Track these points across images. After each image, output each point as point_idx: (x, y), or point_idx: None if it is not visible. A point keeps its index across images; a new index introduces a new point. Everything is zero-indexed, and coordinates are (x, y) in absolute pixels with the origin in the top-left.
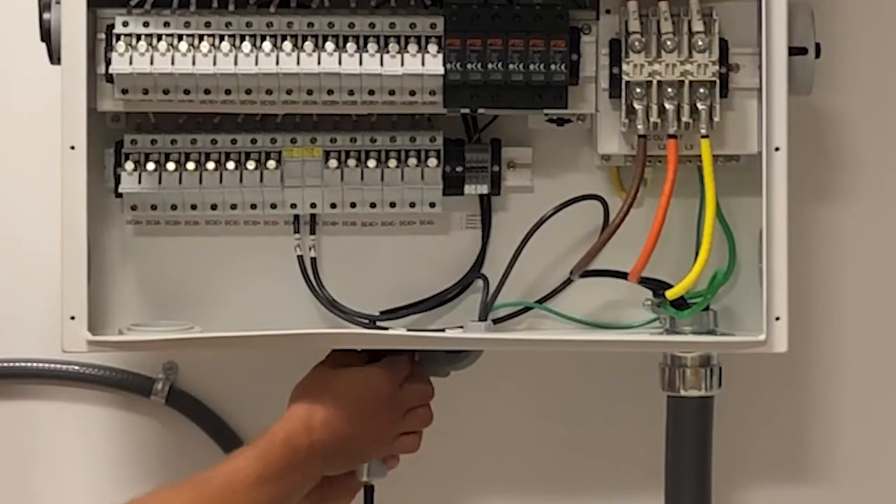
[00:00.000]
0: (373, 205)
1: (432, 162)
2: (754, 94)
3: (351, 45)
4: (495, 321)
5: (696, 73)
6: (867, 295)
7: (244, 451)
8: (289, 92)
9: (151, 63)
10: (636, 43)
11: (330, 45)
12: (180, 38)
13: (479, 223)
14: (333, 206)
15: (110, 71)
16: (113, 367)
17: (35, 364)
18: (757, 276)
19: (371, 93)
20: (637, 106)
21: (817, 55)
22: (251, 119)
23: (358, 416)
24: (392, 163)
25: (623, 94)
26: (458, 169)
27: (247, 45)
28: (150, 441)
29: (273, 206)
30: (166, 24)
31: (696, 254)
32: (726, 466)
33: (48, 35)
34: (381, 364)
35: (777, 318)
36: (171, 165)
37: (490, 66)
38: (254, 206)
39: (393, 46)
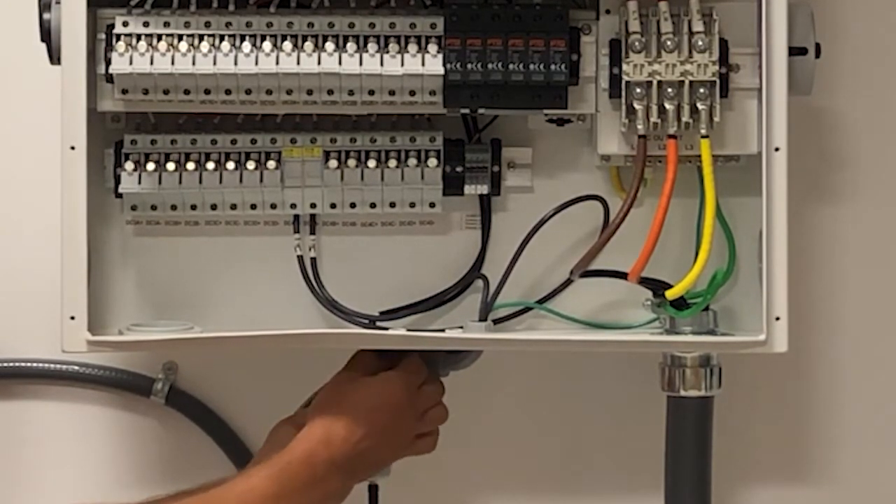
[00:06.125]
0: (373, 205)
1: (432, 162)
2: (754, 94)
3: (351, 45)
4: (495, 321)
5: (696, 73)
6: (867, 295)
7: (260, 469)
8: (289, 92)
9: (151, 63)
10: (636, 43)
11: (330, 45)
12: (180, 38)
13: (479, 223)
14: (333, 206)
15: (110, 71)
16: (113, 367)
17: (35, 364)
18: (757, 276)
19: (371, 93)
20: (637, 106)
21: (817, 55)
22: (251, 119)
23: (377, 427)
24: (392, 163)
25: (623, 94)
26: (458, 169)
27: (247, 45)
28: (150, 441)
29: (273, 207)
30: (166, 24)
31: (696, 254)
32: (726, 466)
33: (48, 35)
34: (397, 371)
35: (777, 318)
36: (171, 165)
37: (490, 66)
38: (254, 206)
39: (393, 46)
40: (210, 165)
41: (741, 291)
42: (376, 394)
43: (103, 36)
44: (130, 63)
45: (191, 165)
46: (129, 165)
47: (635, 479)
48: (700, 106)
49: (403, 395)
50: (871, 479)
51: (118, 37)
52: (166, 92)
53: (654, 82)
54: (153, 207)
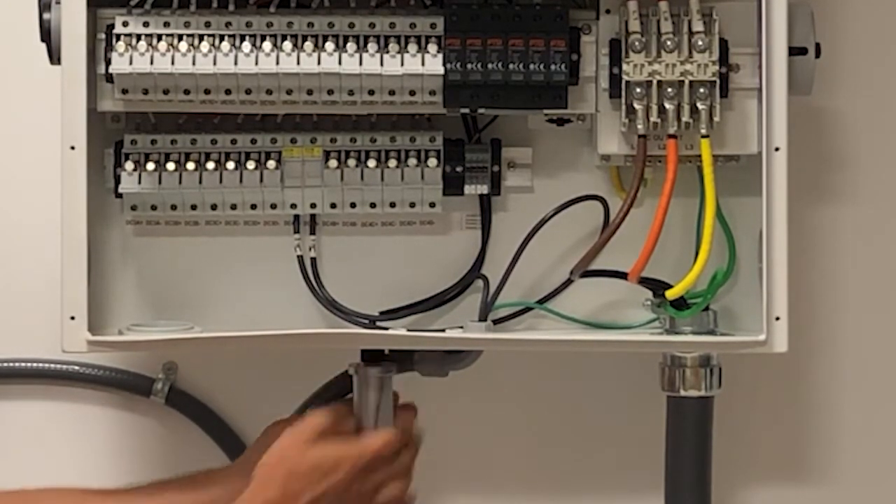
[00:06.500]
0: (373, 205)
1: (432, 162)
2: (754, 94)
3: (351, 45)
4: (495, 321)
5: (696, 73)
6: (867, 295)
7: None
8: (289, 92)
9: (151, 63)
10: (636, 43)
11: (330, 45)
12: (180, 38)
13: (479, 223)
14: (333, 206)
15: (110, 71)
16: (113, 367)
17: (35, 364)
18: (757, 276)
19: (371, 93)
20: (637, 106)
21: (817, 55)
22: (251, 119)
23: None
24: (392, 163)
25: (623, 94)
26: (458, 169)
27: (247, 45)
28: (150, 441)
29: (273, 207)
30: (166, 24)
31: (696, 254)
32: (726, 466)
33: (48, 35)
34: (347, 449)
35: (777, 318)
36: (171, 165)
37: (490, 66)
38: (254, 207)
39: (393, 46)
40: (210, 165)
41: (741, 291)
42: (317, 472)
43: (103, 36)
44: (130, 63)
45: (191, 165)
46: (129, 165)
47: (635, 479)
48: (700, 106)
49: (346, 476)
50: (871, 479)
51: (118, 37)
52: (166, 92)
53: (654, 82)
54: (153, 207)
